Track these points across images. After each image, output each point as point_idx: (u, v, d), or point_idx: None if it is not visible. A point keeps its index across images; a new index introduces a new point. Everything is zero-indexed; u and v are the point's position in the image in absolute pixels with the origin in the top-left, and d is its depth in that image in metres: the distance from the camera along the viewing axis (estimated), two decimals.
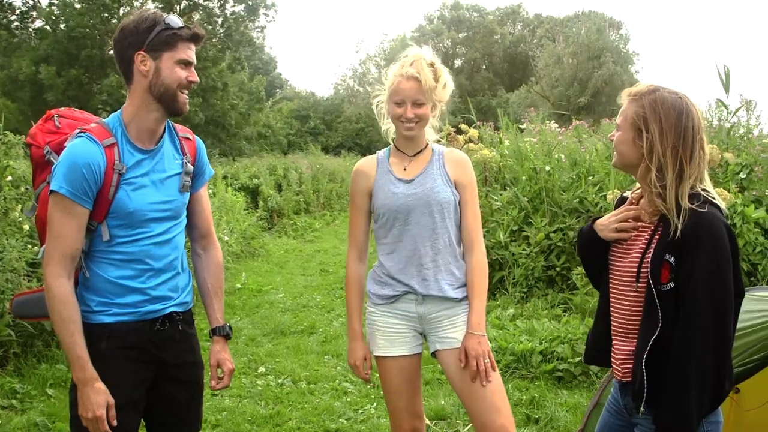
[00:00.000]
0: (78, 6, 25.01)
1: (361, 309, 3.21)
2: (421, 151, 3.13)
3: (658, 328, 2.33)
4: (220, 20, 29.94)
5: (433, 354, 3.14)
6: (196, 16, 28.84)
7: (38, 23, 27.36)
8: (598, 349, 2.71)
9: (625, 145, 2.43)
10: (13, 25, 27.43)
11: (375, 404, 5.22)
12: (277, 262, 12.47)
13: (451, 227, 3.06)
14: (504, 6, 56.90)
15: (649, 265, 2.37)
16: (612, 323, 2.59)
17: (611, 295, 2.59)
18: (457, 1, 55.53)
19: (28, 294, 2.77)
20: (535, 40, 52.51)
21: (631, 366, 2.47)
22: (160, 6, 27.27)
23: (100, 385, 2.46)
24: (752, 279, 6.83)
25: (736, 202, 6.79)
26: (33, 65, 24.19)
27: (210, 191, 13.02)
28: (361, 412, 5.15)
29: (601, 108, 37.23)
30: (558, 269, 7.74)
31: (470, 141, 9.35)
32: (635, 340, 2.46)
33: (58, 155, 2.53)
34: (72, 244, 2.47)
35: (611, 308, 2.59)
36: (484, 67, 54.32)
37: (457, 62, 53.52)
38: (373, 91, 3.23)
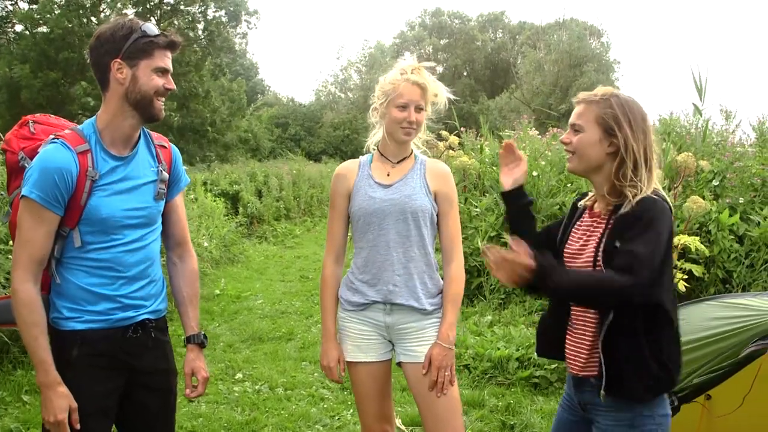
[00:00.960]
0: (57, 11, 24.82)
1: (336, 310, 3.22)
2: (405, 158, 3.14)
3: (611, 315, 2.41)
4: (201, 25, 29.83)
5: (399, 364, 3.16)
6: (176, 21, 28.71)
7: (18, 28, 27.16)
8: (549, 341, 2.78)
9: (591, 145, 2.52)
10: None
11: (351, 410, 5.21)
12: (257, 268, 12.44)
13: (426, 236, 3.07)
14: (486, 13, 57.19)
15: (602, 255, 2.45)
16: (571, 318, 2.64)
17: None
18: (438, 7, 55.76)
19: (1, 300, 2.75)
20: (516, 47, 52.77)
21: (585, 358, 2.53)
22: (139, 10, 27.11)
23: (63, 390, 2.46)
24: (727, 286, 6.90)
25: (711, 209, 6.86)
26: (8, 68, 23.99)
27: (191, 197, 12.98)
28: (338, 419, 5.15)
29: None
30: None
31: (450, 148, 9.41)
32: (593, 334, 2.52)
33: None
34: (40, 249, 2.47)
35: (572, 304, 2.64)
36: (465, 73, 54.50)
37: (439, 69, 53.64)
38: (371, 100, 3.24)
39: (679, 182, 6.79)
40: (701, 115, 8.09)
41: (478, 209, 8.68)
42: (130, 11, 27.49)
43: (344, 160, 3.49)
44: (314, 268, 12.15)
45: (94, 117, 2.63)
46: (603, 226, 2.54)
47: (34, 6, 25.52)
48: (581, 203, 2.74)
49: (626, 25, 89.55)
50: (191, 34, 29.14)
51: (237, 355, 6.78)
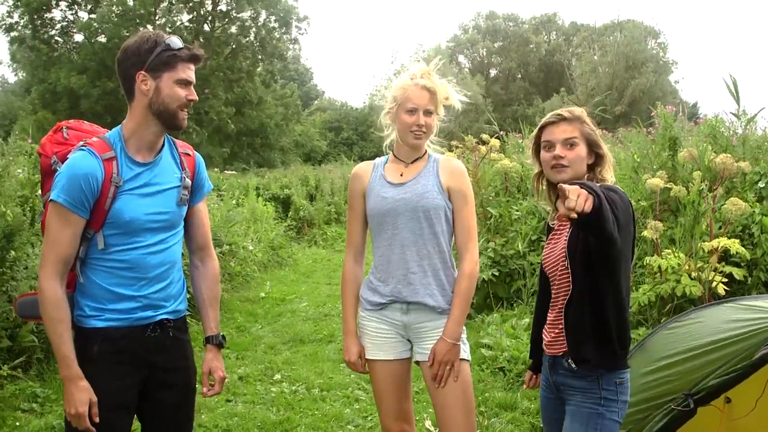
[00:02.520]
0: (115, 19, 25.53)
1: (356, 307, 3.30)
2: (418, 159, 3.20)
3: (570, 290, 2.78)
4: (253, 33, 30.29)
5: (417, 362, 3.22)
6: (232, 28, 29.22)
7: (78, 38, 28.00)
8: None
9: (582, 159, 2.86)
10: (53, 40, 28.12)
11: None
12: (304, 271, 12.60)
13: (441, 234, 3.11)
14: (539, 15, 56.78)
15: (569, 243, 2.78)
16: (551, 305, 2.95)
17: (552, 280, 2.93)
18: (492, 10, 55.56)
19: (30, 295, 2.91)
20: (571, 49, 52.29)
21: (555, 336, 2.86)
22: (193, 16, 27.70)
23: (84, 383, 2.59)
24: None
25: (754, 211, 6.73)
26: (70, 76, 24.76)
27: (233, 201, 13.21)
28: (370, 419, 5.22)
29: (639, 117, 36.99)
30: None
31: (492, 151, 9.43)
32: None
33: None
34: (66, 250, 2.61)
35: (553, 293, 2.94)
36: (519, 76, 54.18)
37: (493, 72, 53.48)
38: (382, 105, 3.33)
39: (719, 184, 6.68)
40: (739, 119, 7.96)
41: (519, 212, 8.68)
42: (184, 17, 28.07)
43: None
44: None
45: (120, 125, 2.76)
46: (569, 226, 2.81)
47: (93, 15, 26.30)
48: (552, 222, 3.02)
49: (685, 24, 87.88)
50: (243, 40, 29.64)
51: (277, 357, 6.92)
